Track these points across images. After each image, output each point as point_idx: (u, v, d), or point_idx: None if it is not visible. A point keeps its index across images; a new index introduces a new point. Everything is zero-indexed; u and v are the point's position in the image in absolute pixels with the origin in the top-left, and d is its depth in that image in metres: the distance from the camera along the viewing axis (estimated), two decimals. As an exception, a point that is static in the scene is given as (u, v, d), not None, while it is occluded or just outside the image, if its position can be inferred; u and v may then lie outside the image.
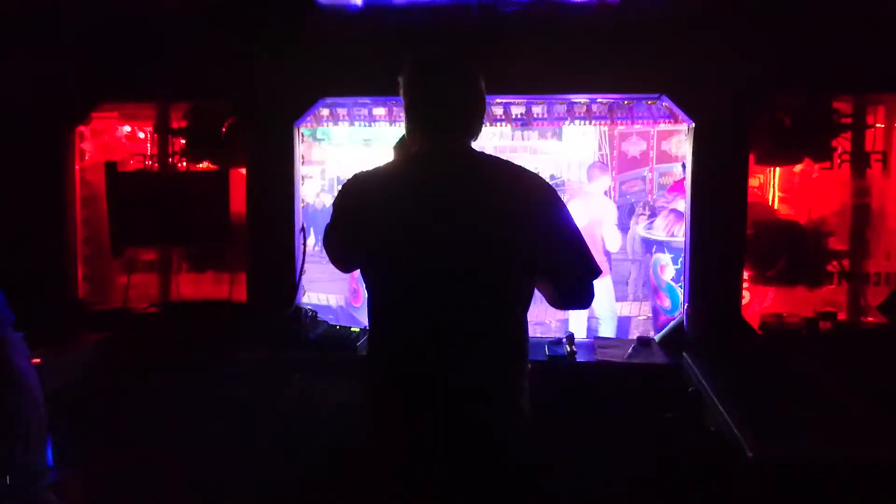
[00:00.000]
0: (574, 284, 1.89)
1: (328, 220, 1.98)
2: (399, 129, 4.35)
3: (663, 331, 3.34)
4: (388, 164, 2.00)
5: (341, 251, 2.02)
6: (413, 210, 1.85)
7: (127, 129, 3.72)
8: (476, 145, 1.99)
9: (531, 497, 1.90)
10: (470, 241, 1.81)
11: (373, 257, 1.93)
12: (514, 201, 1.82)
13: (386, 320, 1.94)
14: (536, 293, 1.94)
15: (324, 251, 2.06)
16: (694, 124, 3.05)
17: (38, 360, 2.63)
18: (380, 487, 1.94)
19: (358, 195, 1.94)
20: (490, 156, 1.94)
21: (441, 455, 1.83)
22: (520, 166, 1.92)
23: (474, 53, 2.02)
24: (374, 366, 1.98)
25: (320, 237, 2.37)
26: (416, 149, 1.96)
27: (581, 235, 1.88)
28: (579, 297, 1.92)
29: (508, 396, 1.87)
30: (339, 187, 2.03)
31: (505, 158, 1.92)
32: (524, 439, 1.89)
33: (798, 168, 3.28)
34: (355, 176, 1.97)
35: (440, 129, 1.92)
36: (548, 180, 1.96)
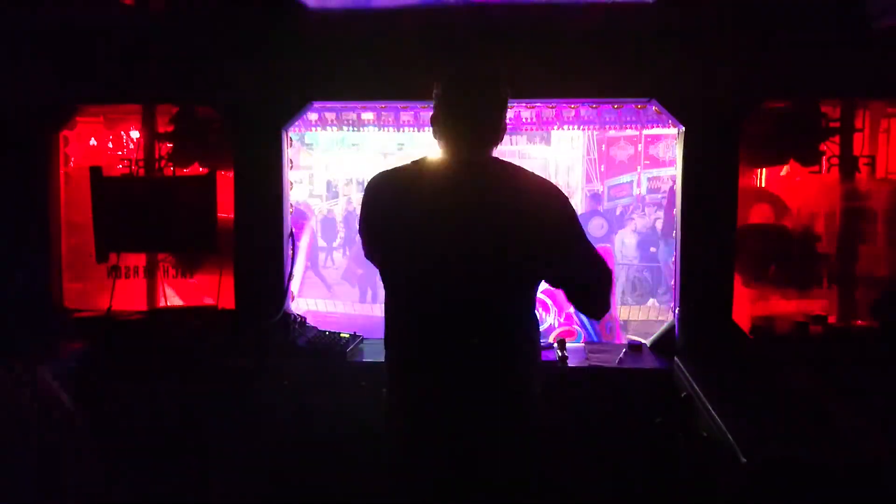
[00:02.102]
0: (584, 292, 1.99)
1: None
2: (387, 134, 4.36)
3: (654, 335, 3.33)
4: (409, 165, 2.06)
5: (367, 250, 2.13)
6: (429, 214, 1.93)
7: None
8: None
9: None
10: (481, 244, 1.88)
11: (388, 258, 2.03)
12: (529, 208, 1.90)
13: (400, 320, 2.02)
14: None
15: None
16: (684, 129, 3.05)
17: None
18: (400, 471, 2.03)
19: (378, 197, 2.03)
20: (509, 164, 2.02)
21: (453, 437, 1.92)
22: (536, 176, 2.00)
23: (499, 69, 2.09)
24: (389, 364, 2.05)
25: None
26: (441, 155, 2.04)
27: (591, 245, 1.97)
28: (591, 304, 2.05)
29: (519, 382, 1.97)
30: (365, 186, 2.11)
31: (522, 167, 2.01)
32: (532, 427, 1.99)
33: (784, 171, 3.29)
34: (379, 175, 2.06)
35: (463, 139, 2.00)
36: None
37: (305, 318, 3.36)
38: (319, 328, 3.32)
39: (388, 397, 2.06)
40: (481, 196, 1.92)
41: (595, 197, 10.59)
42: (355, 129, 4.09)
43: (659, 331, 3.34)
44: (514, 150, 10.94)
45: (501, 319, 1.94)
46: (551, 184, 2.00)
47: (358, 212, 2.14)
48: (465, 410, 1.92)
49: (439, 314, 1.94)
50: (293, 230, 3.35)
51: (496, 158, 2.03)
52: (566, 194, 2.01)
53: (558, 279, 1.99)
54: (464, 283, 1.91)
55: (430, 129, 2.06)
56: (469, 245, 1.89)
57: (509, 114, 3.85)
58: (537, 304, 2.07)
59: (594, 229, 9.40)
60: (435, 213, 1.92)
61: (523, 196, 1.92)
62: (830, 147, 3.06)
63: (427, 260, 1.94)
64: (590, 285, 1.98)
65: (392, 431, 2.04)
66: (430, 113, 2.06)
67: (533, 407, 2.00)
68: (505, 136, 2.07)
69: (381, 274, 2.06)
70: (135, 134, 3.58)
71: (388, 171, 2.06)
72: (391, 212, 1.99)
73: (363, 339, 3.27)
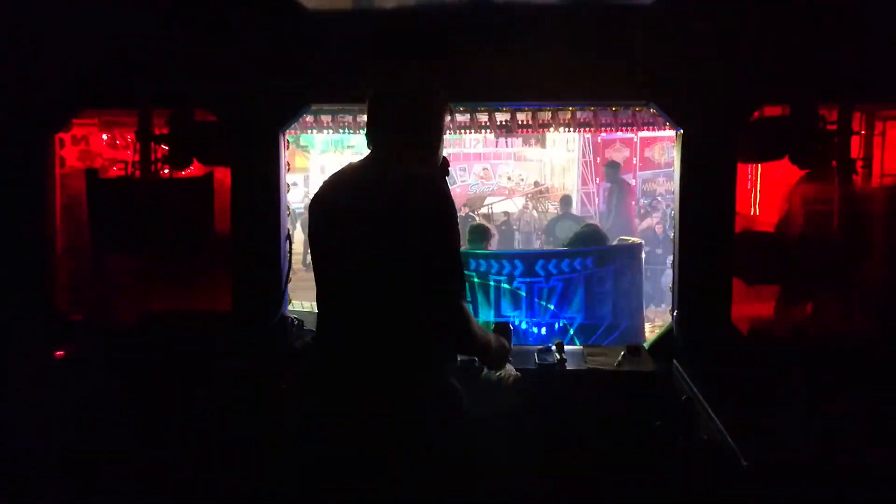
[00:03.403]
0: (433, 304, 1.91)
1: None
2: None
3: (653, 338, 3.33)
4: (341, 169, 2.15)
5: None
6: (332, 220, 2.02)
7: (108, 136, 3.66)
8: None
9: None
10: (366, 250, 1.90)
11: (313, 258, 2.09)
12: (399, 214, 1.89)
13: (318, 323, 2.11)
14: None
15: None
16: (682, 131, 3.05)
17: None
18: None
19: (313, 200, 2.11)
20: (412, 174, 1.98)
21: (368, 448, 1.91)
22: (425, 182, 1.96)
23: (437, 85, 2.16)
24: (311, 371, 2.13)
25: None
26: (362, 160, 2.13)
27: (455, 261, 1.92)
28: (439, 323, 1.93)
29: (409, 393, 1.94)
30: None
31: (429, 178, 1.97)
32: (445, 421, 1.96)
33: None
34: (322, 183, 2.15)
35: (377, 144, 2.09)
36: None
37: (303, 321, 3.35)
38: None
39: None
40: (368, 202, 1.94)
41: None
42: (351, 131, 4.08)
43: (657, 333, 3.34)
44: (510, 152, 10.98)
45: (389, 322, 1.93)
46: (432, 190, 1.93)
47: None
48: (369, 412, 1.93)
49: (338, 316, 2.02)
50: (290, 232, 3.34)
51: (402, 167, 2.00)
52: (447, 203, 1.95)
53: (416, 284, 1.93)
54: (352, 287, 1.96)
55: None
56: (355, 250, 1.93)
57: (504, 116, 3.89)
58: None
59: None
60: (336, 219, 2.00)
61: (400, 201, 1.91)
62: (828, 149, 3.06)
63: (328, 264, 2.03)
64: (437, 302, 1.92)
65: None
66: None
67: (441, 406, 1.97)
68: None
69: None
70: (130, 136, 3.56)
71: (328, 177, 2.15)
72: (312, 217, 2.09)
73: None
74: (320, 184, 2.15)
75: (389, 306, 1.92)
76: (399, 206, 1.90)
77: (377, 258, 1.89)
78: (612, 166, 8.77)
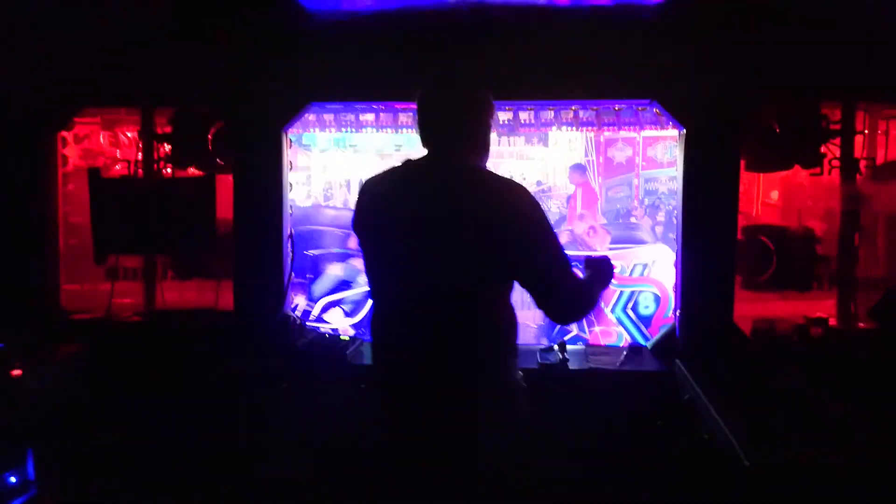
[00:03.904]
0: (545, 298, 1.92)
1: None
2: (386, 135, 4.35)
3: (655, 338, 3.33)
4: (394, 168, 2.07)
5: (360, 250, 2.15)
6: (397, 217, 1.95)
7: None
8: None
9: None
10: (441, 247, 1.87)
11: (366, 257, 2.06)
12: (490, 212, 1.85)
13: (377, 321, 2.06)
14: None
15: None
16: (685, 131, 3.04)
17: (19, 372, 2.58)
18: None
19: (362, 199, 2.07)
20: (482, 171, 2.00)
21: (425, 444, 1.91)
22: (509, 181, 1.98)
23: (477, 75, 2.10)
24: (372, 367, 2.09)
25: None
26: (420, 159, 2.05)
27: (559, 253, 1.91)
28: (554, 310, 1.96)
29: (488, 379, 1.93)
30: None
31: (499, 174, 1.96)
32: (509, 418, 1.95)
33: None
34: (370, 178, 2.10)
35: (437, 142, 2.03)
36: (534, 187, 2.00)
37: (305, 321, 3.35)
38: (319, 330, 3.31)
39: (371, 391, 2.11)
40: (444, 199, 1.91)
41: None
42: (354, 130, 4.08)
43: (660, 333, 3.33)
44: (512, 150, 10.94)
45: (462, 319, 1.92)
46: (521, 189, 1.94)
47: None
48: (434, 407, 1.92)
49: (404, 312, 1.98)
50: (293, 231, 3.34)
51: (471, 165, 2.00)
52: (537, 200, 1.97)
53: (522, 282, 1.93)
54: (423, 285, 1.92)
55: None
56: (428, 247, 1.90)
57: (507, 115, 3.88)
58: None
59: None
60: (402, 216, 1.94)
61: (489, 199, 1.89)
62: (831, 149, 3.05)
63: (393, 260, 1.98)
64: (552, 293, 1.93)
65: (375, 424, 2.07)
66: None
67: (506, 402, 1.96)
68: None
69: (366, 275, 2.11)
70: (133, 135, 3.57)
71: (377, 174, 2.10)
72: (369, 214, 2.04)
73: (363, 341, 3.26)
74: (362, 189, 2.10)
75: (466, 303, 1.91)
76: (494, 205, 1.87)
77: (464, 255, 1.87)
78: (577, 168, 8.58)
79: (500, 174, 1.96)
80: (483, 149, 2.07)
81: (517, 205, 1.89)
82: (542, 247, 1.90)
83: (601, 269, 2.20)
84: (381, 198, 2.02)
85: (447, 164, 2.00)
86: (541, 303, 1.93)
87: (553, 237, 1.92)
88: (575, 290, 1.98)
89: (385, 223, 1.99)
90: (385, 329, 2.04)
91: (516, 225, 1.87)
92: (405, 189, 1.98)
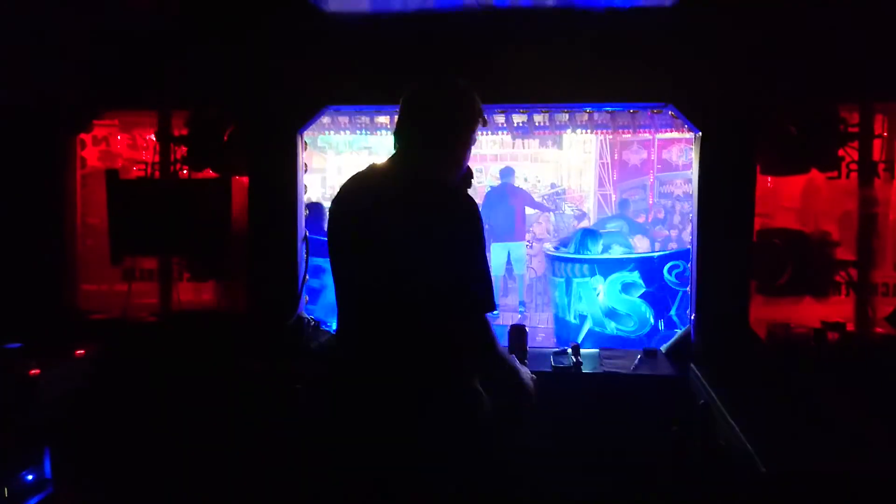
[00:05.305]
0: (455, 313, 1.89)
1: None
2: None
3: (670, 341, 3.30)
4: (361, 172, 2.11)
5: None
6: (352, 221, 1.99)
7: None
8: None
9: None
10: (387, 256, 1.88)
11: (331, 262, 2.07)
12: (430, 225, 1.85)
13: (338, 325, 2.10)
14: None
15: None
16: (700, 134, 3.03)
17: (36, 371, 2.61)
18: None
19: (333, 201, 2.11)
20: (439, 183, 1.97)
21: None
22: (452, 192, 1.94)
23: (472, 91, 2.09)
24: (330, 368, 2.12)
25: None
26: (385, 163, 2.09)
27: (481, 267, 1.89)
28: (460, 329, 1.92)
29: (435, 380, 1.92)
30: None
31: (447, 187, 1.96)
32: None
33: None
34: (340, 186, 2.14)
35: (404, 150, 2.04)
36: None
37: (319, 322, 3.36)
38: (333, 331, 3.31)
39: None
40: (396, 211, 1.89)
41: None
42: (368, 132, 4.10)
43: (674, 337, 3.31)
44: (526, 153, 10.94)
45: (408, 328, 1.92)
46: (463, 200, 1.90)
47: None
48: (380, 415, 1.92)
49: (355, 321, 2.01)
50: (307, 233, 3.35)
51: (426, 178, 1.97)
52: (483, 228, 1.93)
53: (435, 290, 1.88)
54: (370, 296, 1.94)
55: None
56: (375, 255, 1.91)
57: (522, 118, 3.88)
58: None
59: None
60: (359, 223, 1.96)
61: (436, 216, 1.88)
62: (849, 152, 3.02)
63: (349, 266, 2.01)
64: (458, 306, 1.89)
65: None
66: None
67: (459, 410, 1.94)
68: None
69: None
70: (150, 137, 3.60)
71: (345, 181, 2.12)
72: (333, 217, 2.07)
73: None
74: (341, 184, 2.13)
75: (413, 311, 1.90)
76: (428, 216, 1.87)
77: (404, 263, 1.87)
78: (506, 171, 8.19)
79: (448, 185, 1.96)
80: (454, 163, 2.06)
81: (451, 216, 1.88)
82: (465, 260, 1.88)
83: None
84: (343, 203, 2.04)
85: (407, 171, 1.99)
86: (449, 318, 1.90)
87: (478, 254, 1.90)
88: (483, 323, 1.93)
89: (343, 229, 2.01)
90: (340, 332, 2.08)
91: (446, 237, 1.85)
92: (361, 195, 2.01)
